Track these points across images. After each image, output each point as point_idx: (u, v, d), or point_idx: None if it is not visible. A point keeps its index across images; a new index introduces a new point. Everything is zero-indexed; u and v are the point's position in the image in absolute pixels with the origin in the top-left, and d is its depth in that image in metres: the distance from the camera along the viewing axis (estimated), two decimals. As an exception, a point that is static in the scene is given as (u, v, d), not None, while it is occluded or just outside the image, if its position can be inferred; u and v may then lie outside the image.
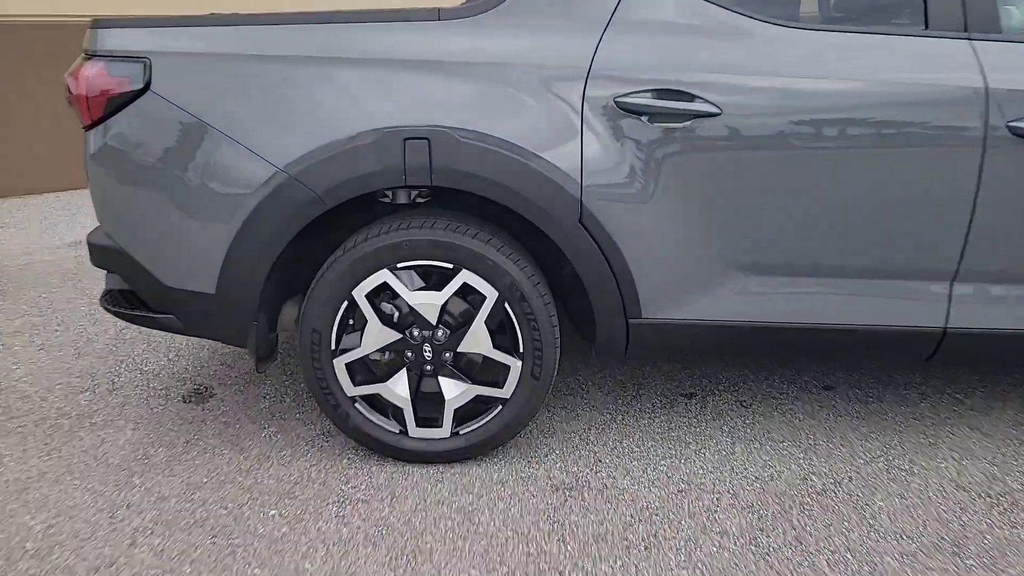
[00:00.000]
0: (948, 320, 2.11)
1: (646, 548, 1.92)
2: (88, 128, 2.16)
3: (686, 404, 2.63)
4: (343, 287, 2.12)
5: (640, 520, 2.02)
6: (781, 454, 2.32)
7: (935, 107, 1.93)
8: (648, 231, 2.05)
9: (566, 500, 2.12)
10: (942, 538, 1.94)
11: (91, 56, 2.13)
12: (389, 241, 2.08)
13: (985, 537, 1.95)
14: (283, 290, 2.36)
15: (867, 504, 2.07)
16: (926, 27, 1.99)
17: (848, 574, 1.82)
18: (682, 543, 1.94)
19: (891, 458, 2.29)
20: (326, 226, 2.30)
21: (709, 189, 2.01)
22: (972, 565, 1.85)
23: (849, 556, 1.88)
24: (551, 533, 1.98)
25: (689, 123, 1.96)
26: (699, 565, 1.86)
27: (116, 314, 2.33)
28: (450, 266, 2.10)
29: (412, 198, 2.30)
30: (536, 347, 2.15)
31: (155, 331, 3.30)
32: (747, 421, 2.51)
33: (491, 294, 2.11)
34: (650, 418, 2.54)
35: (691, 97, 1.96)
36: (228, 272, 2.13)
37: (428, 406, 2.30)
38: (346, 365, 2.21)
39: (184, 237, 2.13)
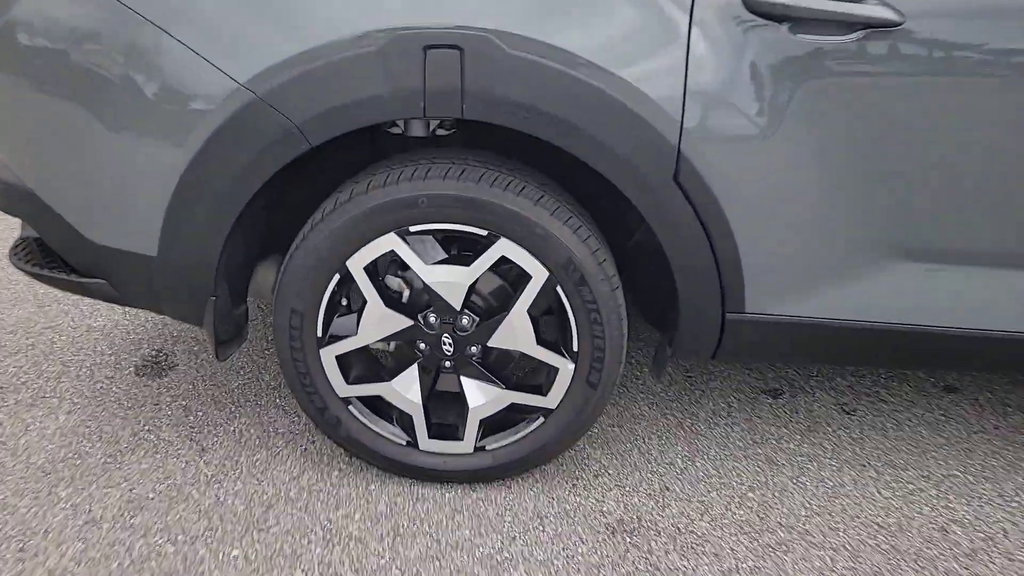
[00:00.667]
0: None
1: (743, 639, 1.40)
2: (-28, 13, 1.52)
3: (771, 406, 2.06)
4: (333, 256, 1.52)
5: (730, 590, 1.49)
6: (907, 489, 1.77)
7: None
8: (771, 197, 1.43)
9: (627, 551, 1.58)
10: None
11: (-31, -95, 1.46)
12: (399, 195, 1.46)
13: None
14: (254, 249, 1.76)
15: (1038, 579, 1.53)
16: None
17: None
18: (792, 632, 1.41)
19: (1054, 502, 1.74)
20: (311, 163, 1.68)
21: (876, 138, 1.37)
22: None
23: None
24: (611, 607, 1.45)
25: (854, 36, 1.31)
26: (822, 675, 1.33)
27: (33, 275, 1.74)
28: (483, 233, 1.49)
29: (431, 130, 1.67)
30: (596, 347, 1.57)
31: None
32: (854, 436, 1.95)
33: (539, 274, 1.51)
34: (728, 425, 1.98)
35: (856, -3, 1.30)
36: (172, 228, 1.52)
37: (445, 410, 1.74)
38: (337, 358, 1.64)
39: (112, 178, 1.52)
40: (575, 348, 1.58)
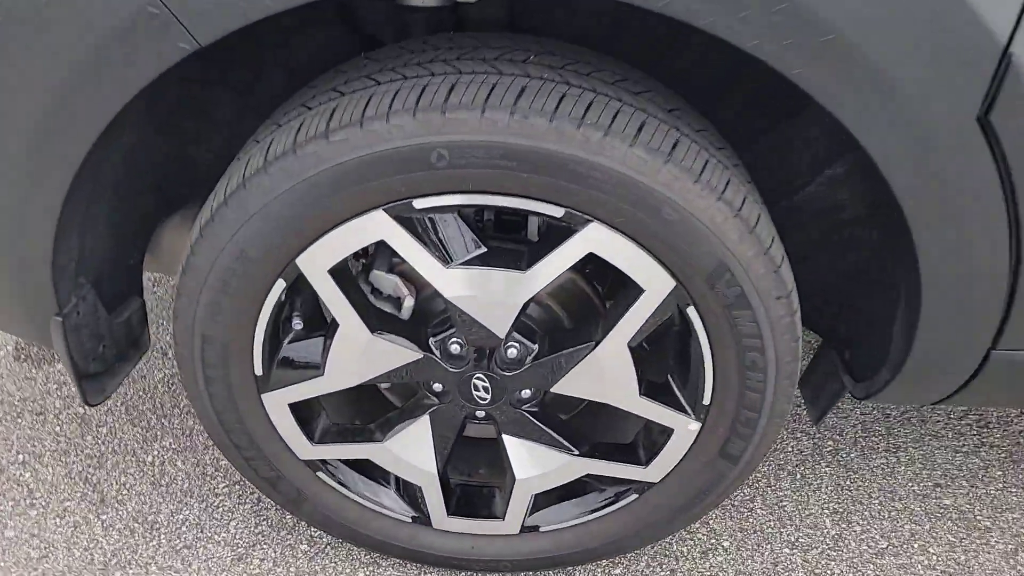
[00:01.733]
0: None
1: None
2: None
3: (946, 416, 1.41)
4: (271, 252, 0.81)
5: None
6: None
7: None
8: None
9: None
10: None
11: None
12: (394, 145, 0.73)
13: None
14: (143, 213, 1.02)
15: None
16: None
17: None
18: None
19: None
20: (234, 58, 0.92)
21: None
22: None
23: None
24: None
25: None
26: None
27: None
28: (558, 213, 0.77)
29: (448, -4, 0.89)
30: (748, 404, 0.89)
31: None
32: (1078, 470, 1.31)
33: (659, 286, 0.81)
34: (890, 452, 1.33)
35: None
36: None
37: (469, 463, 1.10)
38: (293, 407, 0.96)
39: None
40: (706, 401, 0.90)
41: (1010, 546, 1.18)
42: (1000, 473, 1.30)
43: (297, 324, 0.91)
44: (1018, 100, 0.65)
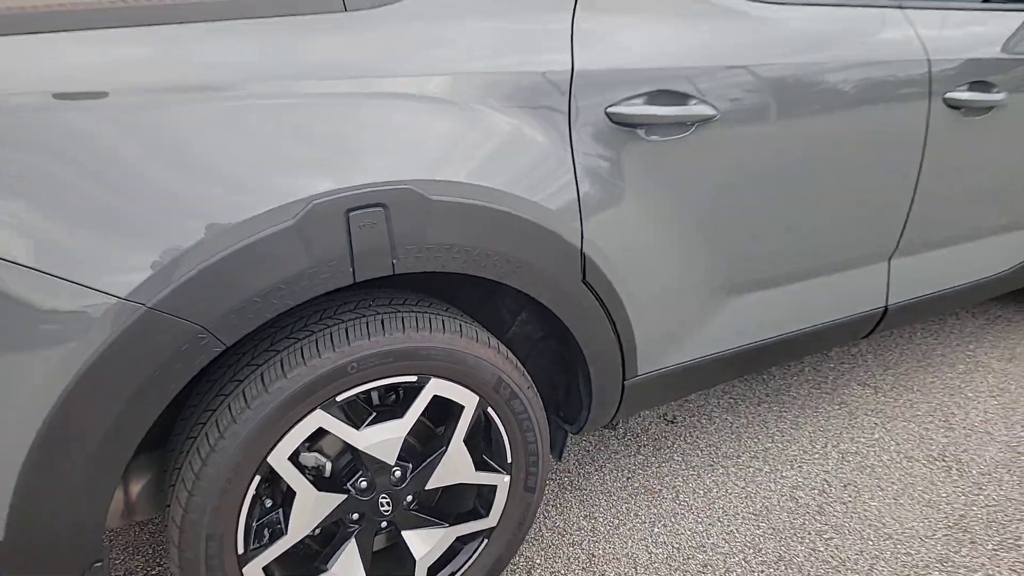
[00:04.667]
0: (888, 299, 2.10)
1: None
2: None
3: (611, 434, 2.27)
4: (250, 458, 1.30)
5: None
6: (748, 472, 2.12)
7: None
8: (650, 271, 1.61)
9: (604, 629, 1.64)
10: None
11: None
12: (324, 370, 1.31)
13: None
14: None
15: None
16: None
17: None
18: None
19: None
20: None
21: (713, 205, 1.63)
22: None
23: None
24: None
25: (688, 132, 1.54)
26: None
27: None
28: (415, 378, 1.41)
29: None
30: (531, 452, 1.59)
31: None
32: (688, 441, 2.26)
33: (471, 401, 1.48)
34: (593, 466, 2.14)
35: (685, 98, 1.53)
36: (32, 496, 1.15)
37: (381, 569, 1.60)
38: (265, 569, 1.40)
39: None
40: (509, 460, 1.58)
41: (672, 493, 2.04)
42: (642, 457, 2.19)
43: (268, 503, 1.38)
44: (593, 270, 1.50)
